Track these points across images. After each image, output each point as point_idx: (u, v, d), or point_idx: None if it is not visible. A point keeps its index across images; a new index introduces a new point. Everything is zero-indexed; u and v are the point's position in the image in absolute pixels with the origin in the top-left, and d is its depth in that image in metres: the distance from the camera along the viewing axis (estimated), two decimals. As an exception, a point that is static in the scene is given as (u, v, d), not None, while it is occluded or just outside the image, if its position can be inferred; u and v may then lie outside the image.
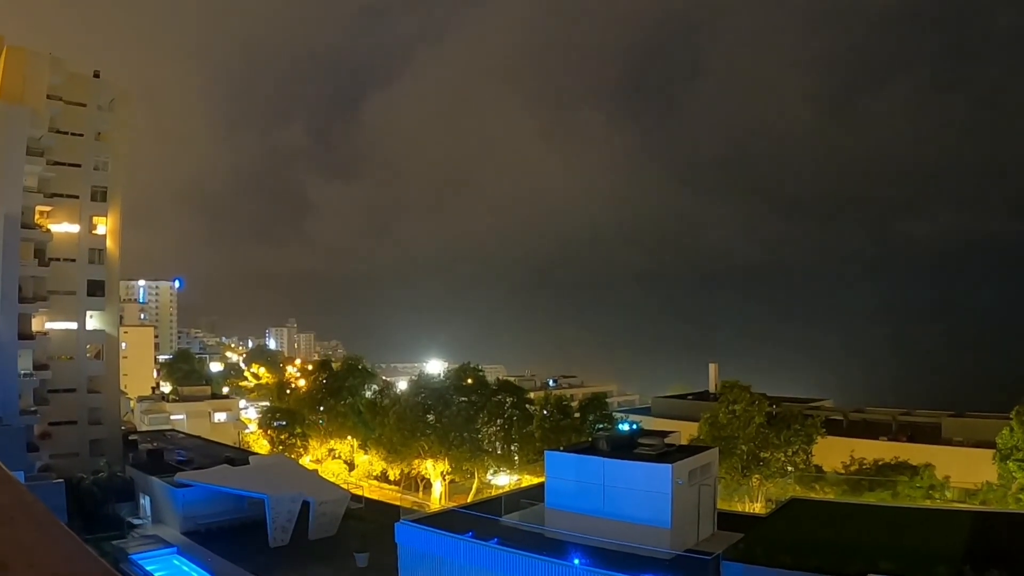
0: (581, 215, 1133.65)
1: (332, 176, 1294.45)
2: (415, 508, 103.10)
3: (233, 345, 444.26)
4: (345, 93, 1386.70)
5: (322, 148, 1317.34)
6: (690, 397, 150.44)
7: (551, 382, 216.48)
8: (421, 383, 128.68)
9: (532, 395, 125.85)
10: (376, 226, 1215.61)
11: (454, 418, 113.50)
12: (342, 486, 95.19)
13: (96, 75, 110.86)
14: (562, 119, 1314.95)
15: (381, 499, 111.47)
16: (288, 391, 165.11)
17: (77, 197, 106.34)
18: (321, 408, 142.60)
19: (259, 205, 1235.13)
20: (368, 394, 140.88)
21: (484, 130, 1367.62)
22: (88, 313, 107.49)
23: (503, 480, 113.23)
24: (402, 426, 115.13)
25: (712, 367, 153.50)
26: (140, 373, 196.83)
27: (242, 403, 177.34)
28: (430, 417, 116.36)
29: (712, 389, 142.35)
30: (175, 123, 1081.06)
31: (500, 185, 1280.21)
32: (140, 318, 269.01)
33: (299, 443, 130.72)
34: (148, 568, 70.48)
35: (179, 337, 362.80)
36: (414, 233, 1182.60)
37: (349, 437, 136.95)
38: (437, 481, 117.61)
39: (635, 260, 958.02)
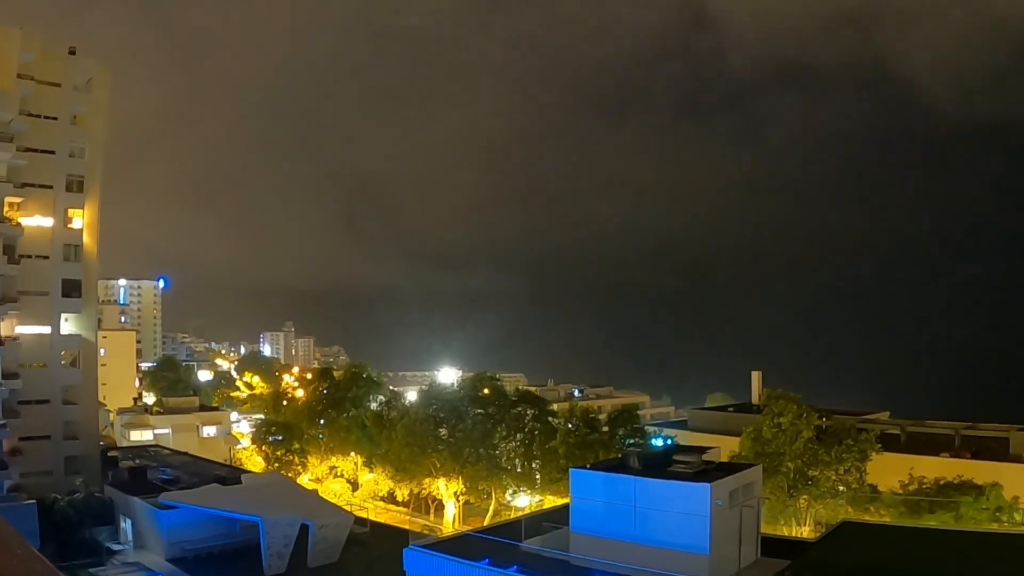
0: (606, 213, 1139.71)
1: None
2: (425, 532, 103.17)
3: (224, 351, 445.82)
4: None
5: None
6: (731, 409, 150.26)
7: (576, 392, 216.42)
8: (432, 394, 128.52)
9: (555, 407, 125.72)
10: (380, 222, 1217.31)
11: (469, 432, 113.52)
12: (345, 508, 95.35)
13: (72, 52, 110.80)
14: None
15: (388, 522, 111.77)
16: (285, 402, 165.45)
17: (51, 187, 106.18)
18: (321, 421, 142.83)
19: (253, 199, 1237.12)
20: (374, 405, 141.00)
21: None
22: (63, 316, 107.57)
23: (523, 501, 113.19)
24: (411, 441, 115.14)
25: (755, 376, 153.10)
26: (121, 382, 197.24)
27: (234, 416, 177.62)
28: (442, 431, 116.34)
29: (755, 400, 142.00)
30: (162, 106, 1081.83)
31: (513, 181, 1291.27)
32: (121, 321, 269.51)
33: (297, 460, 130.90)
34: (130, 598, 70.77)
35: (164, 342, 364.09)
36: (423, 229, 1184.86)
37: (352, 453, 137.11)
38: (450, 502, 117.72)
39: (666, 262, 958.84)
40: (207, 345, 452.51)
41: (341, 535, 79.06)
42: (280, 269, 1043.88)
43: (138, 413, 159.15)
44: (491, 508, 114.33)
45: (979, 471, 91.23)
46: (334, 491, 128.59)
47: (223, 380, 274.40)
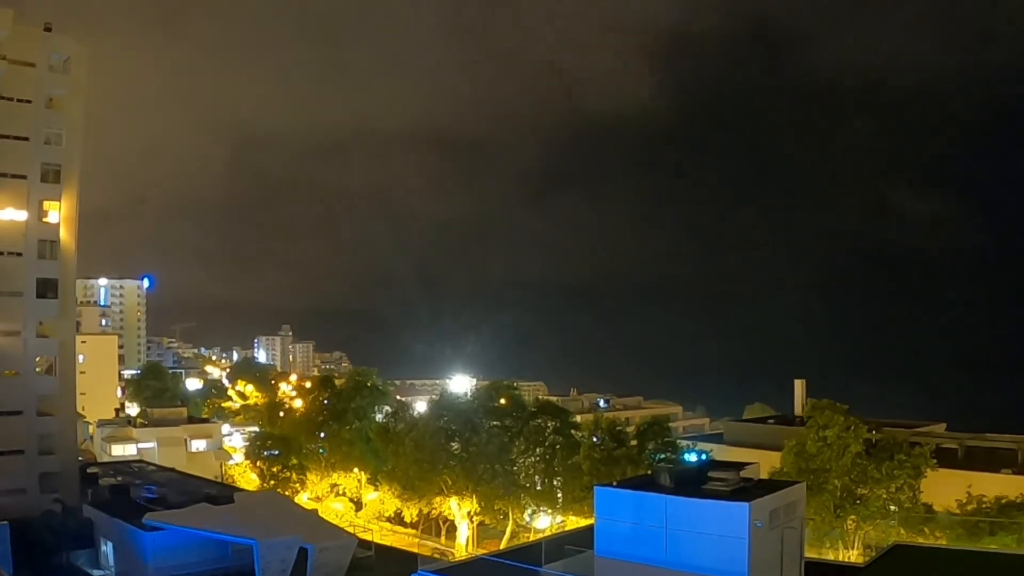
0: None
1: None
2: (436, 556, 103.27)
3: (214, 357, 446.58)
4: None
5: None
6: (771, 421, 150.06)
7: (602, 403, 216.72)
8: (443, 404, 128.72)
9: (579, 419, 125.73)
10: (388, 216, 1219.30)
11: (484, 447, 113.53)
12: (347, 529, 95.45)
13: (47, 28, 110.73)
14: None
15: (394, 545, 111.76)
16: (282, 413, 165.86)
17: (25, 177, 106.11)
18: (322, 434, 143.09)
19: (246, 191, 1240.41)
20: (379, 417, 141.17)
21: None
22: (38, 319, 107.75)
23: (544, 522, 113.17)
24: (420, 456, 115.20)
25: (798, 384, 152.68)
26: (101, 391, 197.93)
27: (225, 428, 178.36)
28: (454, 445, 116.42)
29: (798, 411, 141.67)
30: (153, 91, 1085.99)
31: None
32: (101, 324, 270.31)
33: (295, 477, 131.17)
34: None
35: (148, 348, 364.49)
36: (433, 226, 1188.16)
37: (356, 470, 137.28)
38: (463, 523, 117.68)
39: (698, 262, 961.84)
40: (196, 351, 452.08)
41: (343, 559, 79.09)
42: (277, 268, 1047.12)
43: (120, 425, 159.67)
44: (508, 530, 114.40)
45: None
46: (336, 511, 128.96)
47: (214, 389, 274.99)
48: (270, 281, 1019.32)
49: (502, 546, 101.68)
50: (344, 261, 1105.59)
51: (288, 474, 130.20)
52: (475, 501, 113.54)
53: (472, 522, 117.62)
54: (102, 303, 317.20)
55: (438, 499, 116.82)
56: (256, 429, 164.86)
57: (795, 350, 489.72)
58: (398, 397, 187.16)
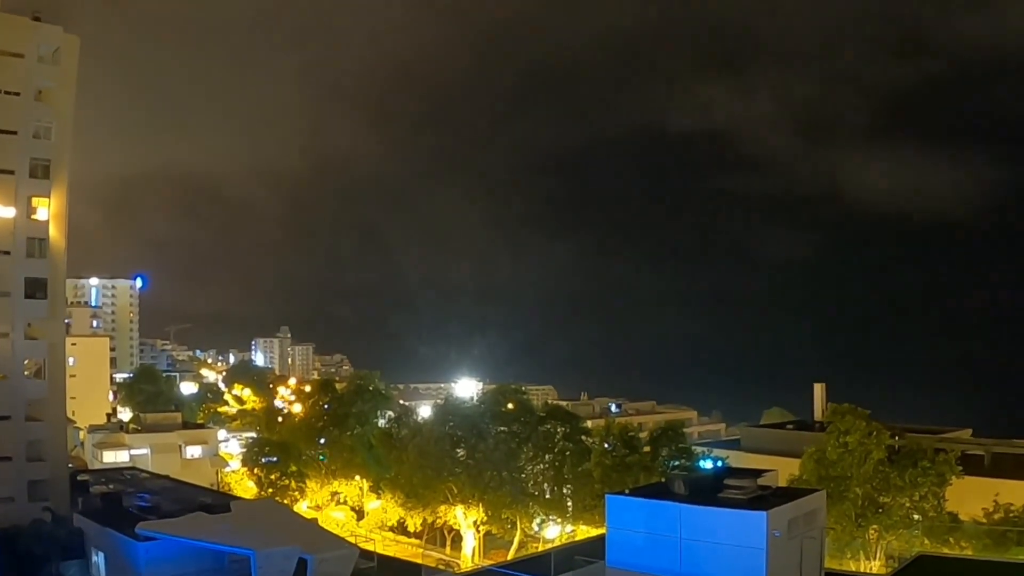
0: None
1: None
2: (441, 567, 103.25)
3: (210, 360, 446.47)
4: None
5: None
6: (790, 426, 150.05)
7: (613, 407, 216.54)
8: (449, 409, 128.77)
9: (590, 424, 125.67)
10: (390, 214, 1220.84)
11: (491, 453, 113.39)
12: (348, 539, 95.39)
13: (36, 18, 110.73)
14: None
15: (398, 556, 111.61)
16: (280, 419, 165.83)
17: (12, 172, 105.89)
18: (322, 440, 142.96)
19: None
20: (381, 422, 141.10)
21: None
22: (26, 320, 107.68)
23: (553, 532, 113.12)
24: (425, 463, 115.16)
25: (818, 388, 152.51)
26: (92, 396, 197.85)
27: (221, 434, 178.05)
28: (460, 452, 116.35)
29: (818, 416, 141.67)
30: (144, 82, 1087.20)
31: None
32: (92, 326, 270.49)
33: (294, 485, 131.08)
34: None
35: (141, 350, 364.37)
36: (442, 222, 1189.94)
37: (357, 477, 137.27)
38: (469, 533, 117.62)
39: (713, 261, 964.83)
40: (191, 353, 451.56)
41: (344, 570, 78.93)
42: (275, 265, 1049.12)
43: (112, 431, 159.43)
44: (516, 540, 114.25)
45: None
46: (336, 520, 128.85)
47: (209, 393, 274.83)
48: (267, 286, 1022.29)
49: (510, 557, 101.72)
50: (340, 265, 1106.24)
51: (287, 482, 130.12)
52: (481, 510, 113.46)
53: (478, 532, 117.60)
54: (93, 304, 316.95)
55: (443, 508, 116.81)
56: (253, 435, 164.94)
57: (813, 353, 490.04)
58: (401, 401, 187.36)
